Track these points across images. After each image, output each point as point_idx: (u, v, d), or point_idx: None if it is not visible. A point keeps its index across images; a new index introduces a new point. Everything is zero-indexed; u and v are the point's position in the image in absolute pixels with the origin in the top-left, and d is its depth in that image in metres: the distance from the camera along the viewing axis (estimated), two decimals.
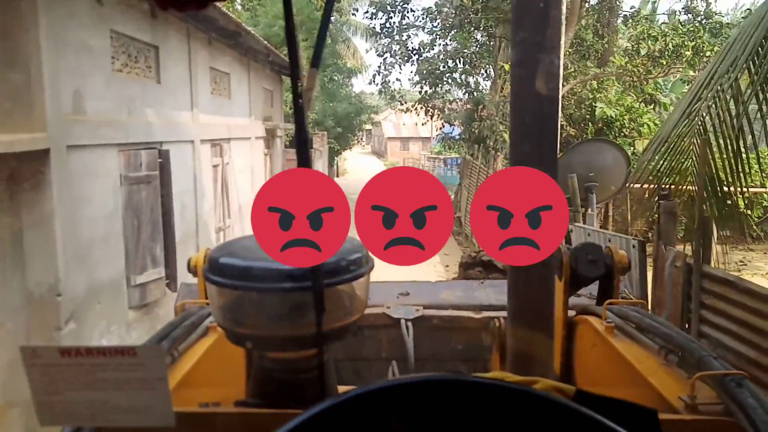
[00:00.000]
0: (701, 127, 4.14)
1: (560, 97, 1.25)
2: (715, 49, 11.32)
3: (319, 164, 13.34)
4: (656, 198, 4.83)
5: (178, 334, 1.46)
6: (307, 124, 0.80)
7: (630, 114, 16.29)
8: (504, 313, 1.88)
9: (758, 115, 4.00)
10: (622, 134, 16.73)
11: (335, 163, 25.05)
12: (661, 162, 4.49)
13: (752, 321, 3.19)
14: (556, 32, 1.18)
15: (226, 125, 8.43)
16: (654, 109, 12.98)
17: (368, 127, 45.06)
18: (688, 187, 4.66)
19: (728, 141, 3.95)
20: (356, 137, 24.14)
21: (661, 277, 4.04)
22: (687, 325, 3.69)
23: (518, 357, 1.26)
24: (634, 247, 4.24)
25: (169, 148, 5.82)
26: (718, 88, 3.97)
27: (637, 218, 14.41)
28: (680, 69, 12.17)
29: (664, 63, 12.59)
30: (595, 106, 15.86)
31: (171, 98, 6.15)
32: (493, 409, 0.63)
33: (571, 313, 1.85)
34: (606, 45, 15.18)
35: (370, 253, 1.03)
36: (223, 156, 8.17)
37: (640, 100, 12.70)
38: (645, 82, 12.25)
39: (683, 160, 4.34)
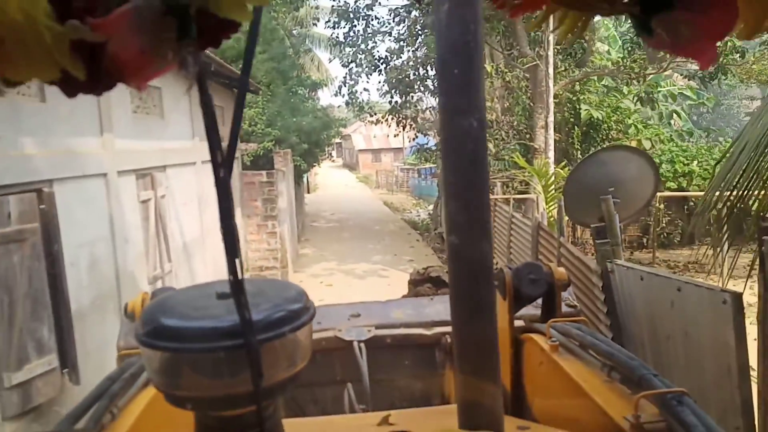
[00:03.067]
0: None
1: (487, 157, 1.17)
2: None
3: (283, 186, 11.84)
4: (732, 212, 3.51)
5: (116, 390, 1.45)
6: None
7: (617, 115, 15.21)
8: None
9: None
10: (609, 137, 15.63)
11: (305, 180, 23.56)
12: (742, 170, 3.17)
13: None
14: (475, 95, 1.12)
15: (160, 150, 6.93)
16: (652, 108, 11.79)
17: (338, 140, 43.77)
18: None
19: None
20: (325, 152, 22.67)
21: None
22: None
23: (466, 404, 1.21)
24: (725, 302, 2.88)
25: (59, 189, 4.31)
26: None
27: (629, 225, 13.26)
28: (683, 61, 10.92)
29: (664, 55, 11.46)
30: (579, 109, 14.73)
31: (64, 122, 4.65)
32: None
33: (519, 323, 1.92)
34: (586, 44, 14.04)
35: (309, 300, 0.99)
36: (156, 188, 6.66)
37: (634, 99, 11.48)
38: (643, 79, 11.03)
39: None
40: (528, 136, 14.52)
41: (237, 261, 0.66)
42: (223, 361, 0.92)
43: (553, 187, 8.48)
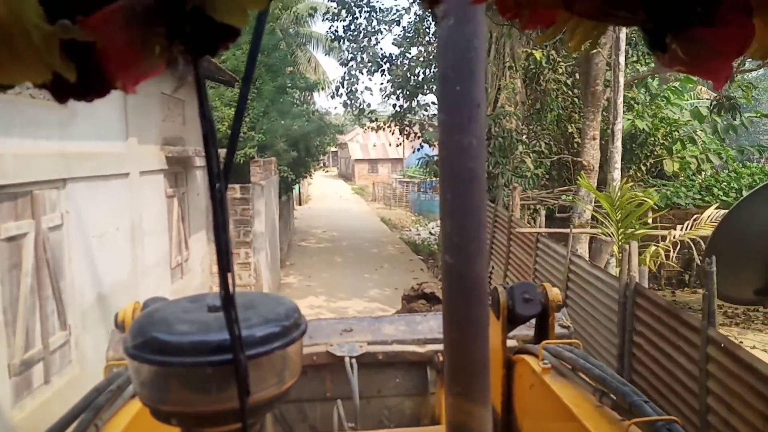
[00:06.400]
0: None
1: (485, 174, 1.12)
2: None
3: (261, 204, 9.43)
4: None
5: (102, 402, 1.44)
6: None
7: (665, 126, 12.88)
8: None
9: None
10: (654, 153, 13.31)
11: (294, 192, 21.12)
12: None
13: None
14: (476, 112, 1.11)
15: (58, 155, 4.51)
16: (734, 117, 9.41)
17: (333, 149, 41.37)
18: None
19: None
20: (318, 162, 20.23)
21: None
22: None
23: (454, 426, 1.16)
24: None
25: None
26: None
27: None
28: None
29: None
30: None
31: None
32: None
33: (512, 343, 1.93)
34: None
35: (301, 315, 0.97)
36: (41, 215, 4.24)
37: (711, 106, 9.12)
38: (731, 80, 8.66)
39: None
40: (555, 149, 12.16)
41: (229, 275, 0.63)
42: (211, 376, 0.86)
43: (621, 221, 6.06)
